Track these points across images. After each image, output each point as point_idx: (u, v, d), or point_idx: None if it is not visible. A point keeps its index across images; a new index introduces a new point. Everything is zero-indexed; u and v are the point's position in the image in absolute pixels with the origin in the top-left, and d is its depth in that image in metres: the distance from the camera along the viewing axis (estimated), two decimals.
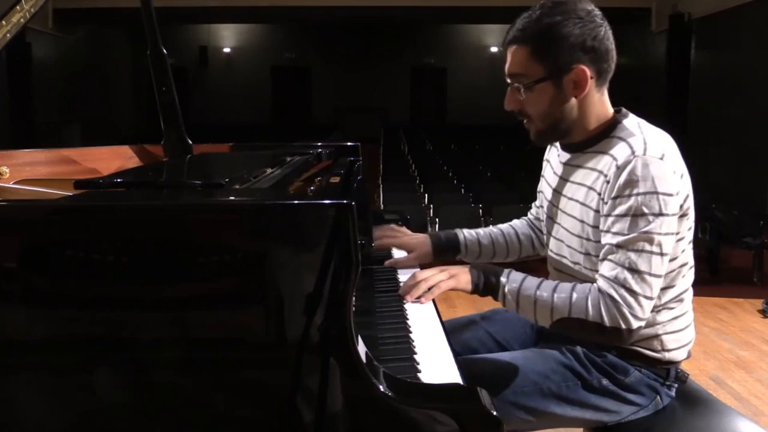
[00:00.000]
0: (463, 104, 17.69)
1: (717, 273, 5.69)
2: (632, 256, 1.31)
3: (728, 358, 3.74)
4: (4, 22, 1.55)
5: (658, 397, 1.48)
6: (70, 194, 1.27)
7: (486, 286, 1.44)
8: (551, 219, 1.57)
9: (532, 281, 1.41)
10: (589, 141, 1.46)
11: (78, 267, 1.00)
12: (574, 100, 1.41)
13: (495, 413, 0.99)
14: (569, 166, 1.51)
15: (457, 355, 1.32)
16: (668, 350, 1.46)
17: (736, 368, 3.58)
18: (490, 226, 1.86)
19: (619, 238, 1.32)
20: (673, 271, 1.41)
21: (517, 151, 11.76)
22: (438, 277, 1.47)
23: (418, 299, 1.49)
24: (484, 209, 6.14)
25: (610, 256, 1.34)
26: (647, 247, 1.31)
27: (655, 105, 11.53)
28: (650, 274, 1.31)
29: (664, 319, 1.44)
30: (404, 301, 1.51)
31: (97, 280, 1.00)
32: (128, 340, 1.01)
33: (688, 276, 1.46)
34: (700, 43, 10.49)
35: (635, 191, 1.31)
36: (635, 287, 1.31)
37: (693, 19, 10.52)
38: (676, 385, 1.51)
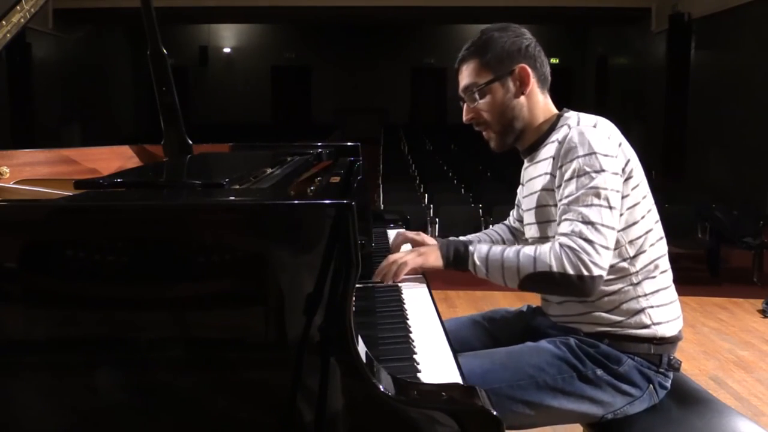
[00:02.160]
0: None
1: (717, 273, 5.68)
2: (583, 210, 1.43)
3: (728, 358, 3.74)
4: (4, 22, 1.55)
5: (652, 387, 1.51)
6: (70, 194, 1.27)
7: (456, 258, 1.57)
8: (526, 223, 1.66)
9: (498, 247, 1.54)
10: (541, 139, 1.61)
11: (78, 267, 1.00)
12: (522, 99, 1.59)
13: (495, 413, 0.99)
14: (530, 167, 1.65)
15: (455, 353, 1.32)
16: (658, 323, 1.51)
17: (736, 368, 3.58)
18: (478, 233, 1.95)
19: (570, 198, 1.45)
20: (640, 237, 1.51)
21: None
22: (406, 257, 1.62)
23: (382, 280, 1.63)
24: (484, 209, 6.14)
25: (564, 216, 1.46)
26: (595, 200, 1.42)
27: (655, 105, 11.53)
28: (602, 225, 1.42)
29: (648, 291, 1.51)
30: (403, 303, 1.52)
31: (98, 280, 1.00)
32: (128, 340, 1.01)
33: (659, 246, 1.55)
34: (700, 43, 10.49)
35: (576, 155, 1.45)
36: (590, 236, 1.41)
37: (693, 19, 10.53)
38: (670, 375, 1.54)
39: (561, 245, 1.43)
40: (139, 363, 1.01)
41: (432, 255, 1.60)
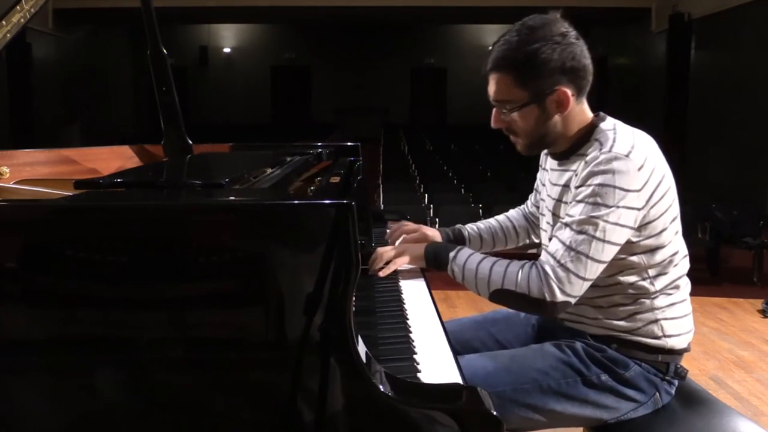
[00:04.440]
0: (463, 104, 17.68)
1: (717, 273, 5.68)
2: (576, 236, 1.38)
3: (728, 358, 3.74)
4: (4, 22, 1.55)
5: (657, 394, 1.50)
6: (70, 194, 1.27)
7: (437, 261, 1.59)
8: (544, 219, 1.65)
9: (477, 257, 1.52)
10: (572, 148, 1.52)
11: (78, 267, 1.00)
12: (557, 117, 1.49)
13: (495, 413, 0.99)
14: (555, 172, 1.59)
15: (457, 354, 1.32)
16: (669, 336, 1.49)
17: (736, 368, 3.58)
18: (490, 218, 1.94)
19: (569, 219, 1.40)
20: (665, 259, 1.47)
21: (517, 151, 11.71)
22: (391, 254, 1.65)
23: (377, 272, 1.66)
24: (484, 209, 6.15)
25: (557, 233, 1.42)
26: (591, 231, 1.37)
27: (655, 105, 11.53)
28: (588, 257, 1.37)
29: (663, 305, 1.49)
30: (403, 304, 1.52)
31: (97, 280, 1.00)
32: (128, 341, 1.01)
33: (681, 265, 1.52)
34: (700, 43, 10.48)
35: (595, 181, 1.38)
36: (569, 265, 1.37)
37: (693, 19, 10.52)
38: (675, 383, 1.53)
39: (536, 265, 1.41)
40: (139, 363, 1.01)
41: (417, 255, 1.64)
